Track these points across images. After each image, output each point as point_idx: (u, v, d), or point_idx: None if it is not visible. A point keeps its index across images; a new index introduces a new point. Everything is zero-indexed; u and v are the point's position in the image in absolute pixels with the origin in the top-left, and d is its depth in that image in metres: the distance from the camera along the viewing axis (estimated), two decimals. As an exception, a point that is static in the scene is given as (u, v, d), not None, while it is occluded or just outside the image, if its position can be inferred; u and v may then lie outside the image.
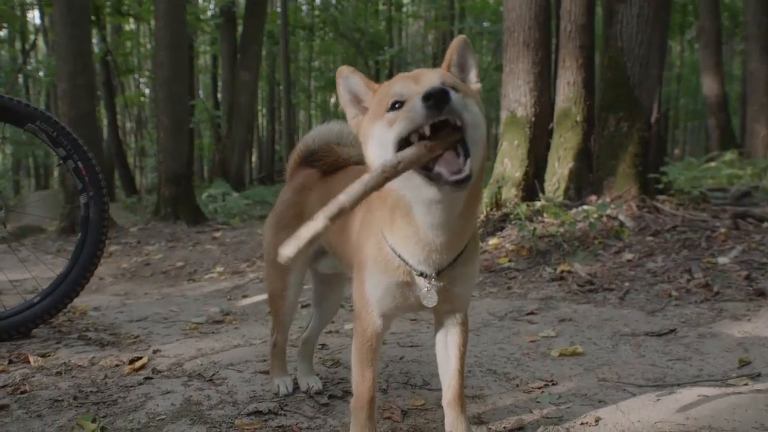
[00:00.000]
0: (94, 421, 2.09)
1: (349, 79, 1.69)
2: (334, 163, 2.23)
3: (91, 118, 9.93)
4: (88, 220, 3.42)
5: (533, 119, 6.35)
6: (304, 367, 2.45)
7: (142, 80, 26.72)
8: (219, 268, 6.30)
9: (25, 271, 3.99)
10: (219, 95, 24.38)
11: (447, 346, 1.85)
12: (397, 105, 1.49)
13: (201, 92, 29.06)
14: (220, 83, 24.34)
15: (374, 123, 1.56)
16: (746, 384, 2.26)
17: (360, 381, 1.81)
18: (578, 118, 6.38)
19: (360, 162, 2.23)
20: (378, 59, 25.59)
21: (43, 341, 3.20)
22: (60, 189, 10.61)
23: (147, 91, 26.71)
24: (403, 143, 1.45)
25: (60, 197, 10.61)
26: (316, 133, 2.36)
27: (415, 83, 1.52)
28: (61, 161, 3.45)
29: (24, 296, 3.67)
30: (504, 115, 6.60)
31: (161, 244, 8.25)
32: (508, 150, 6.41)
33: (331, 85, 30.37)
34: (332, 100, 35.66)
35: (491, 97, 29.54)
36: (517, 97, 6.39)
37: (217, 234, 8.71)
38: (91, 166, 3.45)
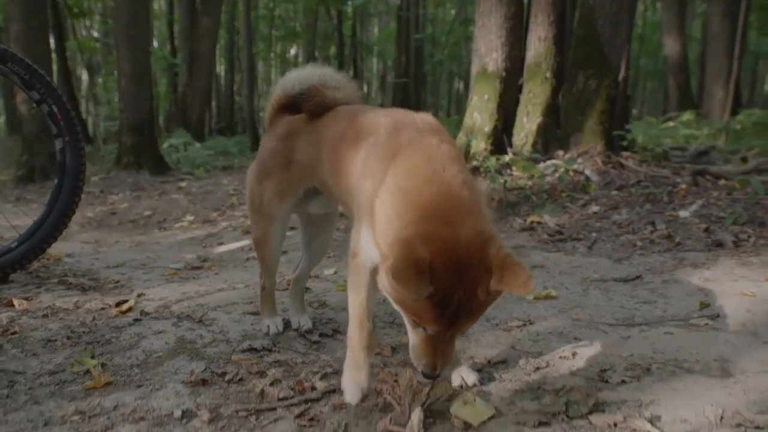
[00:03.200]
0: (92, 357, 2.15)
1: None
2: (321, 104, 2.22)
3: (45, 62, 9.60)
4: (65, 165, 3.38)
5: (504, 74, 6.44)
6: (296, 305, 2.54)
7: (93, 24, 25.65)
8: (189, 217, 6.28)
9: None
10: (176, 42, 23.62)
11: None
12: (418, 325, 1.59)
13: (156, 39, 28.13)
14: (176, 29, 23.55)
15: (398, 305, 1.59)
16: (707, 324, 2.44)
17: (352, 304, 1.84)
18: (548, 74, 6.49)
19: (347, 102, 2.25)
20: (341, 9, 25.14)
21: (22, 286, 3.20)
22: (16, 136, 10.29)
23: (96, 34, 25.65)
24: None
25: (14, 145, 10.32)
26: (296, 78, 2.33)
27: (446, 331, 1.55)
28: (35, 105, 3.39)
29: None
30: (475, 68, 6.67)
31: (126, 194, 8.15)
32: (478, 104, 6.49)
33: (292, 35, 29.78)
34: (292, 51, 35.01)
35: (455, 52, 29.49)
36: (489, 51, 6.45)
37: (183, 184, 8.64)
38: (65, 110, 3.39)
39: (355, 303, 1.83)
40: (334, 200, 2.23)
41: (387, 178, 1.64)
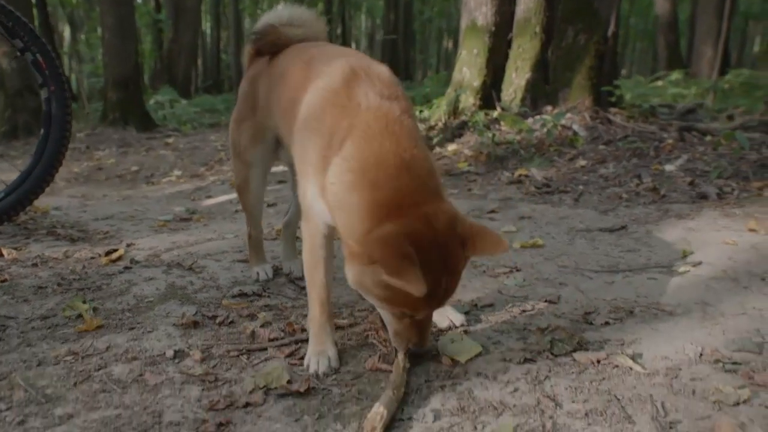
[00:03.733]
0: (84, 302, 2.17)
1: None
2: (275, 42, 2.19)
3: (26, 17, 9.36)
4: (51, 115, 3.34)
5: (493, 28, 6.37)
6: (287, 251, 2.56)
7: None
8: (177, 172, 6.26)
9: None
10: (161, -3, 23.07)
11: None
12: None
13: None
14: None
15: (383, 303, 1.55)
16: (689, 270, 2.49)
17: (311, 286, 1.78)
18: (537, 29, 6.42)
19: (303, 39, 2.18)
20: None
21: (10, 237, 3.20)
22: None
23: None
24: None
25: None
26: (266, 19, 2.29)
27: (433, 308, 1.57)
28: (18, 53, 3.33)
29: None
30: (464, 23, 6.59)
31: (112, 150, 8.08)
32: (467, 59, 6.44)
33: (279, -9, 29.14)
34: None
35: (444, 9, 29.09)
36: (479, 5, 6.37)
37: (170, 140, 8.58)
38: (50, 59, 3.34)
39: (315, 284, 1.77)
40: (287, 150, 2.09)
41: (345, 153, 1.53)
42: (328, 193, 1.56)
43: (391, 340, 1.65)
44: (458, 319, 1.96)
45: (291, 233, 2.58)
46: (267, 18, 2.27)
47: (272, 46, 2.19)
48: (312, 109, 1.68)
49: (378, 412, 1.38)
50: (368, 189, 1.47)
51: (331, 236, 1.74)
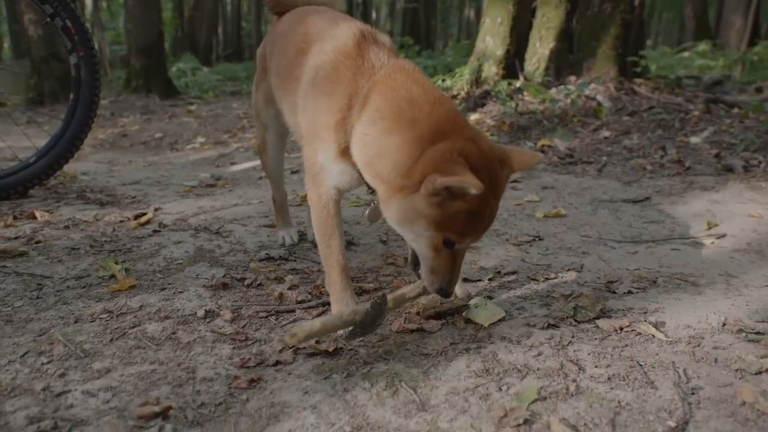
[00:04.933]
0: (116, 263, 2.23)
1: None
2: (280, 1, 2.22)
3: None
4: (80, 81, 3.38)
5: (518, -4, 6.28)
6: (312, 216, 2.60)
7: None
8: (200, 139, 6.30)
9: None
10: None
11: None
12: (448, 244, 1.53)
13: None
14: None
15: (431, 228, 1.49)
16: (713, 242, 2.49)
17: (327, 253, 1.78)
18: (562, -2, 6.33)
19: (309, 2, 2.20)
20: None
21: (42, 200, 3.27)
22: (23, 61, 10.17)
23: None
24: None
25: (21, 69, 10.21)
26: None
27: (477, 235, 1.55)
28: (48, 19, 3.36)
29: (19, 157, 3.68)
30: (488, -9, 6.50)
31: (136, 117, 8.15)
32: (490, 27, 6.36)
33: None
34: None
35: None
36: (503, -28, 6.27)
37: (192, 107, 8.62)
38: (79, 24, 3.36)
39: (333, 251, 1.77)
40: (285, 119, 2.10)
41: (373, 106, 1.54)
42: (359, 146, 1.57)
43: (425, 280, 1.60)
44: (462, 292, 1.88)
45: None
46: None
47: (277, 5, 2.24)
48: (323, 71, 1.68)
49: (313, 324, 1.45)
50: (407, 127, 1.49)
51: (340, 201, 1.77)
